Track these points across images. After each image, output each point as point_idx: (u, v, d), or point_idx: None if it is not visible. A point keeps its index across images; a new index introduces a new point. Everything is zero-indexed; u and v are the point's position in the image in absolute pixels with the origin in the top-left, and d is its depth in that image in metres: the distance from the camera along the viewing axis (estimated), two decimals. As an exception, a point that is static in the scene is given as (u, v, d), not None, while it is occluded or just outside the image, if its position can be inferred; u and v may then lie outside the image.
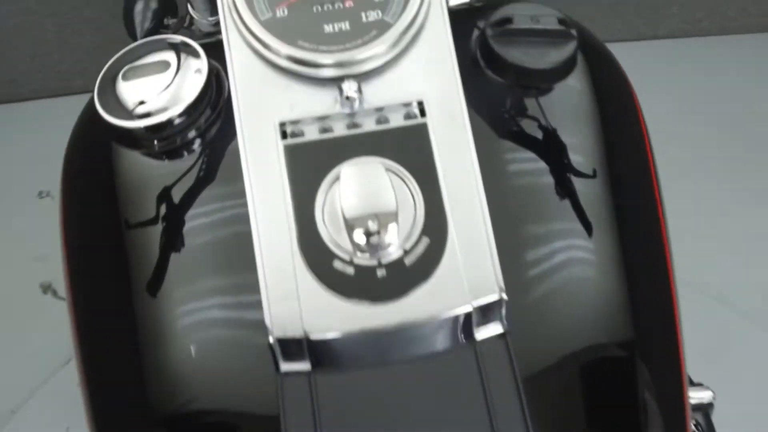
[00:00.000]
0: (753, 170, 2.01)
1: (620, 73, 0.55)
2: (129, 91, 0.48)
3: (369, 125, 0.42)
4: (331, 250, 0.39)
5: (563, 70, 0.48)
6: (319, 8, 0.44)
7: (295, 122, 0.42)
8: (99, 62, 0.50)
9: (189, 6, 0.70)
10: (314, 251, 0.39)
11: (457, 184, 0.41)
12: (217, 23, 0.71)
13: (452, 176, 0.41)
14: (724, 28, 2.55)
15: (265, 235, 0.40)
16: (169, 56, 0.50)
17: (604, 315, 0.46)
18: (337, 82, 0.42)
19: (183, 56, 0.50)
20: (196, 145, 0.49)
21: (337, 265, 0.39)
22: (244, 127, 0.42)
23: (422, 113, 0.42)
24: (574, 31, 0.48)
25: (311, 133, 0.42)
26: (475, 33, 0.51)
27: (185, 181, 0.47)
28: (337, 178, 0.40)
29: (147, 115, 0.47)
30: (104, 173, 0.51)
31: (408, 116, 0.42)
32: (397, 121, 0.42)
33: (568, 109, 0.50)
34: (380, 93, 0.43)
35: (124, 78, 0.48)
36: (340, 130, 0.42)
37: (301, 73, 0.43)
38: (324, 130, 0.42)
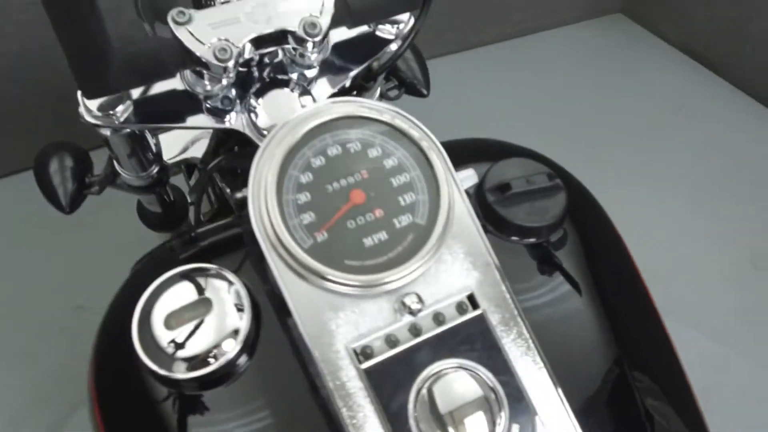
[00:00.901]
0: (593, 153, 2.24)
1: (595, 204, 0.62)
2: (169, 335, 0.47)
3: (429, 327, 0.45)
4: None
5: (559, 220, 0.54)
6: (354, 223, 0.46)
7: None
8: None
9: (115, 163, 0.68)
10: None
11: (524, 363, 0.45)
12: (148, 176, 0.70)
13: (519, 357, 0.45)
14: (539, 25, 2.80)
15: None
16: (189, 288, 0.49)
17: None
18: (393, 293, 0.45)
19: (202, 281, 0.50)
20: (244, 371, 0.49)
21: None
22: (319, 359, 0.43)
23: (473, 304, 0.46)
24: (559, 181, 0.54)
25: (380, 349, 0.44)
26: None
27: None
28: (421, 393, 0.43)
29: (193, 359, 0.47)
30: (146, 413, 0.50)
31: (461, 309, 0.46)
32: (453, 317, 0.45)
33: (566, 248, 0.56)
34: (431, 294, 0.46)
35: (168, 326, 0.47)
36: (404, 339, 0.45)
37: (356, 294, 0.45)
38: (392, 343, 0.44)
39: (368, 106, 0.49)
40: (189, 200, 0.92)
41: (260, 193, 0.45)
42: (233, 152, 0.67)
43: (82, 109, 0.55)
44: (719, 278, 1.87)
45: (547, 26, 2.82)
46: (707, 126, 2.36)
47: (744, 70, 2.45)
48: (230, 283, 0.50)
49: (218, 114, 0.59)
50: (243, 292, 0.49)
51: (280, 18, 0.52)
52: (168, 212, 0.85)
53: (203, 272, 0.50)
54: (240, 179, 0.69)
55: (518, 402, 0.44)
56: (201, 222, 0.75)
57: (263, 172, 0.46)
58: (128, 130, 0.58)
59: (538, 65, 2.67)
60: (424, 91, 0.82)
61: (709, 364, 1.56)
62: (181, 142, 0.75)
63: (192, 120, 0.58)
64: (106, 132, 0.57)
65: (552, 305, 0.53)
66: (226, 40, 0.51)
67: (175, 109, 0.57)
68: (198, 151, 0.75)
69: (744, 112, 2.41)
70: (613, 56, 2.76)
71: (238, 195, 0.66)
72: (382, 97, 0.80)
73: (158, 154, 0.71)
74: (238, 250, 0.57)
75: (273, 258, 0.44)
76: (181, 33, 0.50)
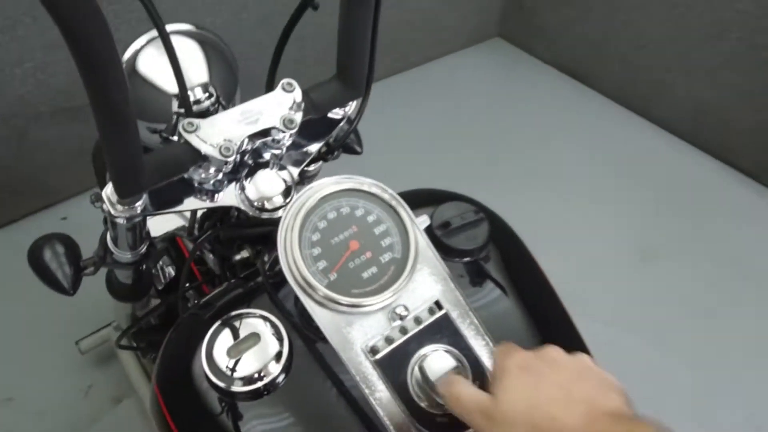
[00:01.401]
0: (487, 165, 2.50)
1: (508, 228, 0.86)
2: (228, 362, 0.67)
3: (412, 327, 0.67)
4: (430, 412, 0.64)
5: (486, 242, 0.78)
6: (353, 263, 0.67)
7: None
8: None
9: (111, 244, 0.81)
10: (419, 414, 0.63)
11: (477, 341, 0.67)
12: (138, 253, 0.84)
13: (473, 338, 0.67)
14: (427, 56, 3.07)
15: (385, 413, 0.63)
16: (235, 328, 0.69)
17: None
18: (385, 307, 0.66)
19: (237, 322, 0.69)
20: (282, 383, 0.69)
21: (439, 419, 0.64)
22: (345, 359, 0.64)
23: (439, 307, 0.68)
24: (482, 215, 0.78)
25: (383, 346, 0.65)
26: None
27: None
28: (414, 370, 0.64)
29: (247, 377, 0.66)
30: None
31: (431, 311, 0.68)
32: (427, 318, 0.67)
33: (491, 261, 0.80)
34: (411, 303, 0.67)
35: (229, 355, 0.67)
36: (397, 337, 0.66)
37: (362, 312, 0.66)
38: (389, 341, 0.66)
39: (352, 180, 0.70)
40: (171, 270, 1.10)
41: (288, 252, 0.65)
42: (230, 225, 0.85)
43: (107, 206, 0.67)
44: (612, 271, 2.18)
45: (435, 56, 3.11)
46: (583, 132, 2.70)
47: (611, 81, 2.82)
48: (267, 320, 0.69)
49: (209, 195, 0.77)
50: (282, 327, 0.69)
51: (265, 118, 0.72)
52: (139, 283, 0.99)
53: (247, 315, 0.70)
54: (236, 245, 0.87)
55: (477, 367, 0.66)
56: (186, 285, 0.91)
57: (288, 237, 0.66)
58: (140, 218, 0.72)
59: (430, 92, 2.93)
60: (359, 149, 1.02)
61: (605, 346, 1.83)
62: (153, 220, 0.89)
63: (190, 202, 0.75)
64: (122, 221, 0.70)
65: (489, 301, 0.77)
66: (229, 140, 0.69)
67: (177, 195, 0.74)
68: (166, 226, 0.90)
69: (613, 118, 2.77)
70: (495, 76, 3.08)
71: (237, 257, 0.85)
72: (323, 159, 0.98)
73: (148, 233, 0.84)
74: (252, 299, 0.77)
75: (302, 296, 0.65)
76: (191, 139, 0.68)
